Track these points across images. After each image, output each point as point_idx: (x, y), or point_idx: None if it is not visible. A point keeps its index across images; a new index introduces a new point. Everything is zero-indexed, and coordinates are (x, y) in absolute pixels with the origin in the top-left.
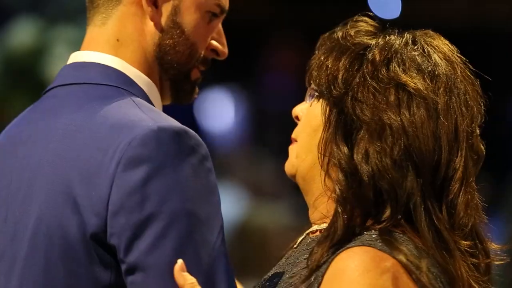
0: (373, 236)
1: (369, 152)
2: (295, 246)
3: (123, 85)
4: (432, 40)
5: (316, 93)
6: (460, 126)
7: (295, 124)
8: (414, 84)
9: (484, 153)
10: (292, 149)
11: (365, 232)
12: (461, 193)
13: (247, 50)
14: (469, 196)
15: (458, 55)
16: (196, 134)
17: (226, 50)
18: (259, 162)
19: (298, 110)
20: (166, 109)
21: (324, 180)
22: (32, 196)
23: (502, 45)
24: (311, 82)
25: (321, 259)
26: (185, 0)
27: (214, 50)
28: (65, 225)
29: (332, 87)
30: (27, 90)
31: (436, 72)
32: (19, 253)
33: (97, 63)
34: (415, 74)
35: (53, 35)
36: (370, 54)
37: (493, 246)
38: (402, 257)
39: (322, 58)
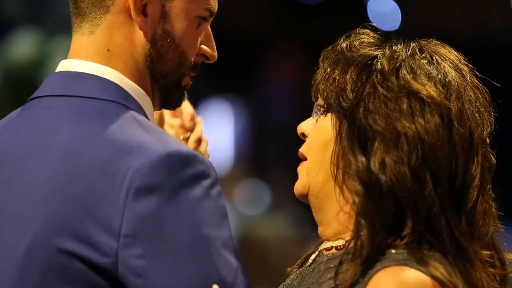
0: (405, 254)
1: (386, 161)
2: (308, 264)
3: (121, 100)
4: (439, 49)
5: (323, 108)
6: (474, 132)
7: (296, 136)
8: (426, 91)
9: (495, 162)
10: (302, 168)
11: (393, 250)
12: (479, 201)
13: (247, 61)
14: (486, 205)
15: (465, 62)
16: (204, 159)
17: (215, 53)
18: (259, 173)
19: (304, 126)
20: None
21: (342, 195)
22: (25, 216)
23: (501, 54)
24: (318, 96)
25: (353, 277)
26: (174, 7)
27: (204, 55)
28: (65, 252)
29: (341, 99)
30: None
31: (447, 79)
32: (4, 273)
33: (92, 75)
34: (426, 81)
35: (53, 47)
36: (378, 64)
37: (509, 256)
38: (440, 276)
39: (328, 71)
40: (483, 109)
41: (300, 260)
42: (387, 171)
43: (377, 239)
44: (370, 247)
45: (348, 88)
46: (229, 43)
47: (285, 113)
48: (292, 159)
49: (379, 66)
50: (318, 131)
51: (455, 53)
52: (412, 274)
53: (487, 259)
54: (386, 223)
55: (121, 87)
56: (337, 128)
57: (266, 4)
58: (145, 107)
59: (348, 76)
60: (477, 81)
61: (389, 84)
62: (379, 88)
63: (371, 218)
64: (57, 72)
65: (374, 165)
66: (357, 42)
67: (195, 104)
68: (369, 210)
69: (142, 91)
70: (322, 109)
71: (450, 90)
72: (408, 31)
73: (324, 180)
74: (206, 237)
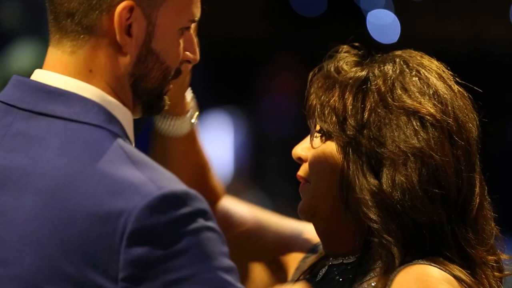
0: (425, 261)
1: (397, 181)
2: (319, 278)
3: (105, 124)
4: (422, 61)
5: (322, 134)
6: (471, 141)
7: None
8: (425, 110)
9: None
10: (305, 190)
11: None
12: (480, 208)
13: (246, 73)
14: (486, 210)
15: (447, 70)
16: (197, 193)
17: (197, 56)
18: (258, 186)
19: (300, 151)
20: None
21: (351, 218)
22: (6, 253)
23: (501, 66)
24: (316, 123)
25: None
26: (159, 25)
27: (186, 59)
28: None
29: (344, 127)
30: None
31: (439, 93)
32: None
33: (74, 93)
34: (421, 99)
35: None
36: (373, 87)
37: (503, 256)
38: (463, 276)
39: (323, 98)
40: (471, 115)
41: (305, 270)
42: (399, 190)
43: (400, 256)
44: (392, 263)
45: (349, 116)
46: (229, 55)
47: (284, 125)
48: (292, 172)
49: (374, 88)
50: (321, 156)
51: (436, 63)
52: (436, 270)
53: (493, 264)
54: (405, 239)
55: (104, 107)
56: (342, 155)
57: (265, 17)
58: (126, 125)
59: (346, 103)
60: (460, 88)
61: (387, 106)
62: (378, 111)
63: (391, 236)
64: (34, 81)
65: (387, 185)
66: (343, 63)
67: None
68: (388, 229)
69: (125, 108)
70: (320, 134)
71: (444, 103)
72: (408, 43)
73: (331, 203)
74: (209, 269)
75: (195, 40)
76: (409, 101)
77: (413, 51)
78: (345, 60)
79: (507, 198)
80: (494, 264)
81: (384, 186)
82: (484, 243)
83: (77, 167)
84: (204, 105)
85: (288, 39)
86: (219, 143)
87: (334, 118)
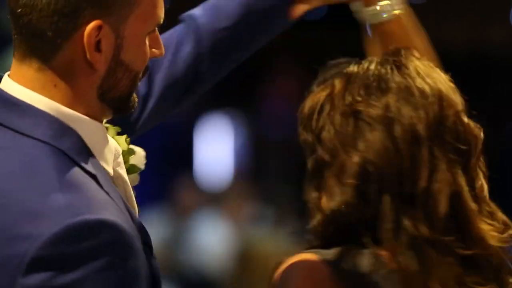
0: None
1: (335, 190)
2: None
3: (52, 139)
4: (388, 57)
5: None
6: (417, 126)
7: (296, 151)
8: (364, 108)
9: (482, 134)
10: None
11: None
12: (431, 188)
13: (247, 75)
14: (442, 185)
15: (416, 54)
16: (116, 224)
17: (163, 50)
18: (259, 188)
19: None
20: (167, 130)
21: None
22: None
23: (501, 68)
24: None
25: None
26: (127, 36)
27: (153, 56)
28: None
29: (307, 140)
30: None
31: (389, 85)
32: None
33: (29, 105)
34: (366, 98)
35: None
36: (330, 95)
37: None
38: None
39: (300, 114)
40: (450, 91)
41: None
42: (336, 199)
43: None
44: None
45: (313, 129)
46: None
47: (285, 128)
48: (292, 175)
49: (329, 96)
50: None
51: (416, 55)
52: (309, 262)
53: (452, 243)
54: (343, 238)
55: (58, 120)
56: (308, 164)
57: None
58: (89, 136)
59: (312, 115)
60: (431, 66)
61: (339, 111)
62: (330, 119)
63: (330, 237)
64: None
65: (326, 196)
66: (322, 78)
67: (194, 118)
68: (328, 231)
69: (88, 119)
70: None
71: (389, 96)
72: None
73: None
74: None
75: (159, 35)
76: (354, 102)
77: (394, 49)
78: (325, 76)
79: (507, 198)
80: (453, 243)
81: (324, 197)
82: (441, 223)
83: (9, 185)
84: (205, 107)
85: (288, 42)
86: (219, 145)
87: (303, 133)
